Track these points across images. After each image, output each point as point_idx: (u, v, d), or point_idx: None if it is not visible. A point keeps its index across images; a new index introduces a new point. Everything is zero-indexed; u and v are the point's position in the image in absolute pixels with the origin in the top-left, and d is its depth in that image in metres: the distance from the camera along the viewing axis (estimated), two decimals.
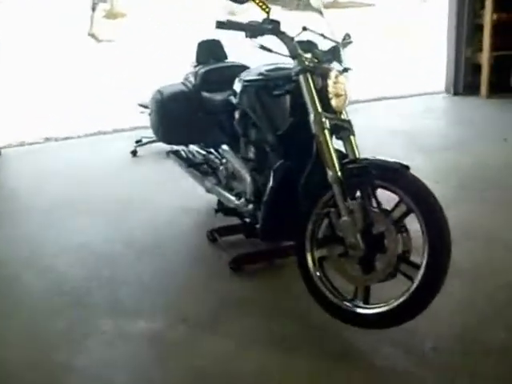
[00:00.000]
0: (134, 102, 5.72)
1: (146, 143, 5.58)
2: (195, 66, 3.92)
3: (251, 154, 3.23)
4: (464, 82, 7.53)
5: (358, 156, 2.70)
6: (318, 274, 2.75)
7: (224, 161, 3.45)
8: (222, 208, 3.57)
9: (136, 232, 3.92)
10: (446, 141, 5.83)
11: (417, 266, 2.48)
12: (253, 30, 2.65)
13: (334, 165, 2.58)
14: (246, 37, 2.67)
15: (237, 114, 3.29)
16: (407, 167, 2.53)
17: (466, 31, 7.39)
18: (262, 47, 2.67)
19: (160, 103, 3.71)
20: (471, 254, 3.37)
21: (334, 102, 2.69)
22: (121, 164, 5.36)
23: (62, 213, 4.27)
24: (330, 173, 2.57)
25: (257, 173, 3.17)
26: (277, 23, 2.68)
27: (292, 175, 2.82)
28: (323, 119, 2.63)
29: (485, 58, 7.25)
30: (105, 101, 7.74)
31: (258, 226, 3.06)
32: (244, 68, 3.74)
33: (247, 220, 3.26)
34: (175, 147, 4.07)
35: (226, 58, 4.00)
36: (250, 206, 3.14)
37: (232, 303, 3.04)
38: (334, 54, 2.81)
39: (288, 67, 2.98)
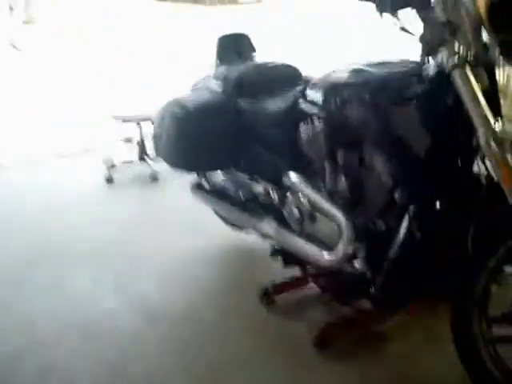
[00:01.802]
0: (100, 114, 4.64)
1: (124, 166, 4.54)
2: (218, 66, 2.95)
3: (342, 187, 2.29)
4: None
5: None
6: (493, 360, 1.86)
7: (290, 196, 2.48)
8: (285, 257, 2.62)
9: (153, 296, 2.89)
10: None
11: None
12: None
13: None
14: (380, 11, 1.75)
15: (309, 131, 2.36)
16: None
17: None
18: (404, 29, 1.75)
19: (185, 119, 2.70)
20: None
21: (504, 109, 1.82)
22: (97, 195, 4.27)
23: (40, 268, 3.18)
24: None
25: (352, 212, 2.24)
26: None
27: (439, 222, 1.94)
28: (503, 136, 1.74)
29: None
30: (51, 120, 6.41)
31: (373, 290, 2.14)
32: (293, 70, 2.82)
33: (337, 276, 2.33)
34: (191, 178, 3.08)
35: (255, 56, 3.04)
36: (358, 264, 2.20)
37: None
38: None
39: (398, 62, 2.10)
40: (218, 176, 3.04)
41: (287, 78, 2.75)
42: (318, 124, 2.32)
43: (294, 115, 2.43)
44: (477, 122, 1.77)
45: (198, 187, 3.03)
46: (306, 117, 2.37)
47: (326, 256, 2.27)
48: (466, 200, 1.94)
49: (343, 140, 2.22)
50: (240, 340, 2.50)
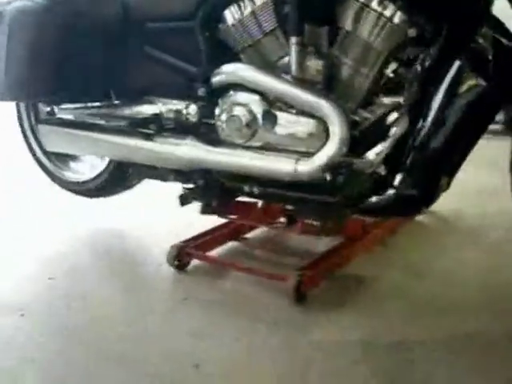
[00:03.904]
0: None
1: None
2: None
3: (313, 72, 1.68)
4: None
5: None
6: None
7: (228, 99, 1.77)
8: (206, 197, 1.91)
9: None
10: None
11: None
12: None
13: None
14: None
15: (244, 9, 1.74)
16: None
17: None
18: None
19: (48, 15, 1.86)
20: None
21: None
22: None
23: None
24: None
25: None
26: None
27: None
28: None
29: None
30: None
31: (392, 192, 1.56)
32: None
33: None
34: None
35: None
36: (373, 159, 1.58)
37: None
38: None
39: None
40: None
41: None
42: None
43: None
44: None
45: (53, 121, 2.11)
46: None
47: (315, 162, 1.61)
48: None
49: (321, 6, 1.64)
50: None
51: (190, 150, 1.82)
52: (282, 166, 1.66)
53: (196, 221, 2.03)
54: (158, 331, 1.63)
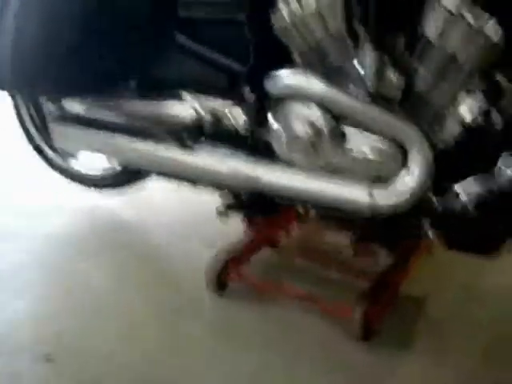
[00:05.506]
0: None
1: None
2: None
3: (389, 83, 1.46)
4: None
5: None
6: None
7: (284, 108, 1.54)
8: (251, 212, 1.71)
9: None
10: None
11: None
12: None
13: None
14: None
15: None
16: None
17: None
18: None
19: None
20: None
21: None
22: None
23: None
24: None
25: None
26: None
27: None
28: None
29: None
30: None
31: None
32: None
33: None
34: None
35: None
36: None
37: None
38: None
39: None
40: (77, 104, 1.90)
41: None
42: None
43: None
44: None
45: (66, 119, 1.84)
46: None
47: (395, 195, 1.43)
48: None
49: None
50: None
51: (238, 168, 1.60)
52: (354, 195, 1.47)
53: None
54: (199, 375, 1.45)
